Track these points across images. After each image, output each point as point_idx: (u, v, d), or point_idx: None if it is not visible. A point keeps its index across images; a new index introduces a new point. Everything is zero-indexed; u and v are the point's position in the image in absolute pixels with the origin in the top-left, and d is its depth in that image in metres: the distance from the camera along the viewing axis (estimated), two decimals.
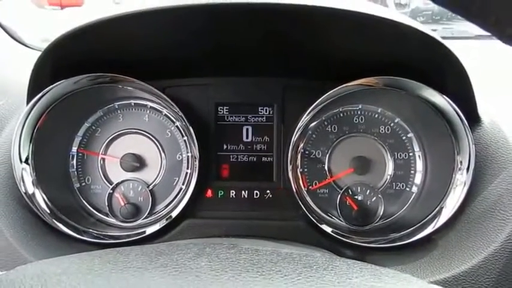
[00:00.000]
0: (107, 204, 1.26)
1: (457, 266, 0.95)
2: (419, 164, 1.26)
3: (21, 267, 0.55)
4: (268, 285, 0.45)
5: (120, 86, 1.19)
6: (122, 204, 1.26)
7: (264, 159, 1.30)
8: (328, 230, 1.16)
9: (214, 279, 0.46)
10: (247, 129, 1.31)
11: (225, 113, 1.31)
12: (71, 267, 0.51)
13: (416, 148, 1.27)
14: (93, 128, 1.30)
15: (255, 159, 1.31)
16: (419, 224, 1.13)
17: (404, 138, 1.28)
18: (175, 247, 0.58)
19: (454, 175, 1.11)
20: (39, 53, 1.09)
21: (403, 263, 1.06)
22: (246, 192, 1.28)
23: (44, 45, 1.72)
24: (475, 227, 1.02)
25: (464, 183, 1.08)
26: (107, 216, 1.27)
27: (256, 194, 1.28)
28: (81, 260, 0.53)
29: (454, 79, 1.07)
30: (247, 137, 1.31)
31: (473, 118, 1.12)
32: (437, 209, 1.12)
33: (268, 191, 1.28)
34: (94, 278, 0.47)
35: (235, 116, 1.31)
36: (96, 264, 0.51)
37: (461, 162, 1.10)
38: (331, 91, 1.14)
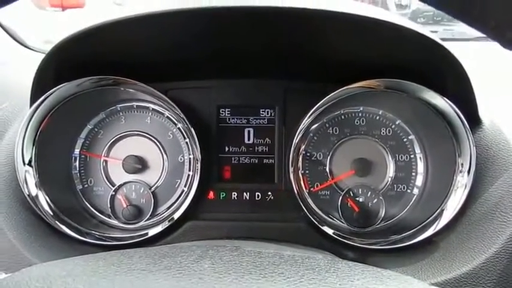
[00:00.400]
0: (109, 206, 1.27)
1: (458, 268, 0.96)
2: (421, 166, 1.26)
3: (26, 270, 0.55)
4: (271, 287, 0.45)
5: (122, 89, 1.19)
6: (124, 206, 1.27)
7: (265, 161, 1.31)
8: (330, 231, 1.16)
9: (217, 281, 0.46)
10: (248, 131, 1.32)
11: (226, 115, 1.31)
12: (76, 269, 0.51)
13: (417, 150, 1.27)
14: (96, 130, 1.31)
15: (256, 161, 1.31)
16: (420, 226, 1.14)
17: (405, 140, 1.28)
18: (179, 249, 0.58)
19: (455, 177, 1.11)
20: (41, 55, 1.10)
21: (404, 264, 1.06)
22: (248, 194, 1.29)
23: (46, 47, 1.73)
24: (476, 229, 1.02)
25: (465, 186, 1.08)
26: (109, 218, 1.28)
27: (258, 195, 1.28)
28: (86, 262, 0.54)
29: (454, 81, 1.08)
30: (248, 139, 1.31)
31: (474, 120, 1.13)
32: (438, 211, 1.12)
33: (269, 193, 1.28)
34: (99, 280, 0.48)
35: (236, 118, 1.31)
36: (100, 266, 0.51)
37: (462, 164, 1.10)
38: (332, 93, 1.14)
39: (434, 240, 1.10)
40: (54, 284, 0.47)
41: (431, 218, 1.13)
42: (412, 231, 1.14)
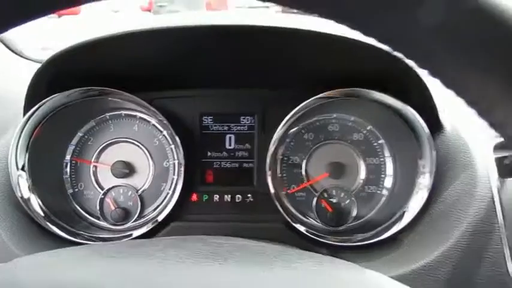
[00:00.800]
0: (98, 208, 1.35)
1: (417, 261, 1.04)
2: (390, 169, 1.35)
3: (15, 260, 0.63)
4: (223, 270, 0.54)
5: (110, 98, 1.28)
6: (113, 208, 1.35)
7: (245, 165, 1.39)
8: (302, 229, 1.25)
9: (177, 264, 0.55)
10: (230, 138, 1.40)
11: (209, 122, 1.40)
12: (53, 260, 0.59)
13: (386, 154, 1.36)
14: (86, 137, 1.39)
15: (237, 165, 1.40)
16: (386, 224, 1.22)
17: (375, 144, 1.37)
18: (149, 241, 0.67)
19: (417, 179, 1.20)
20: (33, 63, 1.19)
21: (371, 260, 1.15)
22: (229, 196, 1.37)
23: (41, 55, 1.81)
24: (435, 226, 1.11)
25: (427, 186, 1.17)
26: (99, 220, 1.36)
27: (238, 197, 1.37)
28: (66, 252, 0.62)
29: (415, 91, 1.17)
30: (230, 145, 1.40)
31: (435, 125, 1.21)
32: (402, 210, 1.21)
33: (249, 195, 1.37)
34: (76, 266, 0.56)
35: (218, 125, 1.40)
36: (80, 256, 0.60)
37: (423, 166, 1.19)
38: (304, 102, 1.23)
39: (399, 237, 1.19)
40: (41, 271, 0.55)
41: (396, 217, 1.22)
42: (378, 229, 1.23)
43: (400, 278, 1.02)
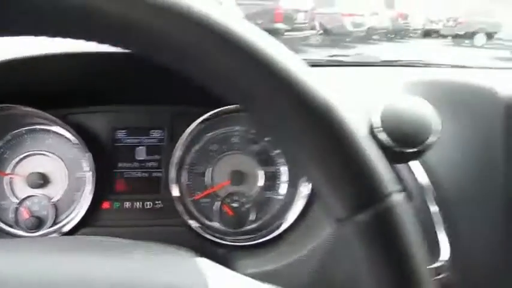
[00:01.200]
0: (13, 216, 1.43)
1: (290, 257, 1.21)
2: (284, 176, 1.52)
3: None
4: (87, 261, 0.65)
5: (20, 113, 1.37)
6: (27, 216, 1.43)
7: (154, 174, 1.52)
8: (202, 231, 1.39)
9: (59, 254, 0.66)
10: (140, 150, 1.52)
11: (121, 136, 1.51)
12: None
13: (282, 163, 1.52)
14: (2, 150, 1.47)
15: (147, 175, 1.52)
16: (272, 227, 1.39)
17: (272, 154, 1.53)
18: (41, 238, 0.78)
19: (299, 186, 1.37)
20: None
21: (259, 257, 1.31)
22: (139, 203, 1.49)
23: None
24: (312, 227, 1.28)
25: (307, 192, 1.34)
26: (13, 228, 1.44)
27: (148, 204, 1.49)
28: None
29: None
30: (140, 156, 1.52)
31: None
32: (289, 212, 1.38)
33: (158, 202, 1.49)
34: None
35: (130, 138, 1.52)
36: None
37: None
38: (200, 118, 1.38)
39: (284, 237, 1.35)
40: None
41: (281, 220, 1.38)
42: (265, 231, 1.39)
43: (274, 272, 1.19)
